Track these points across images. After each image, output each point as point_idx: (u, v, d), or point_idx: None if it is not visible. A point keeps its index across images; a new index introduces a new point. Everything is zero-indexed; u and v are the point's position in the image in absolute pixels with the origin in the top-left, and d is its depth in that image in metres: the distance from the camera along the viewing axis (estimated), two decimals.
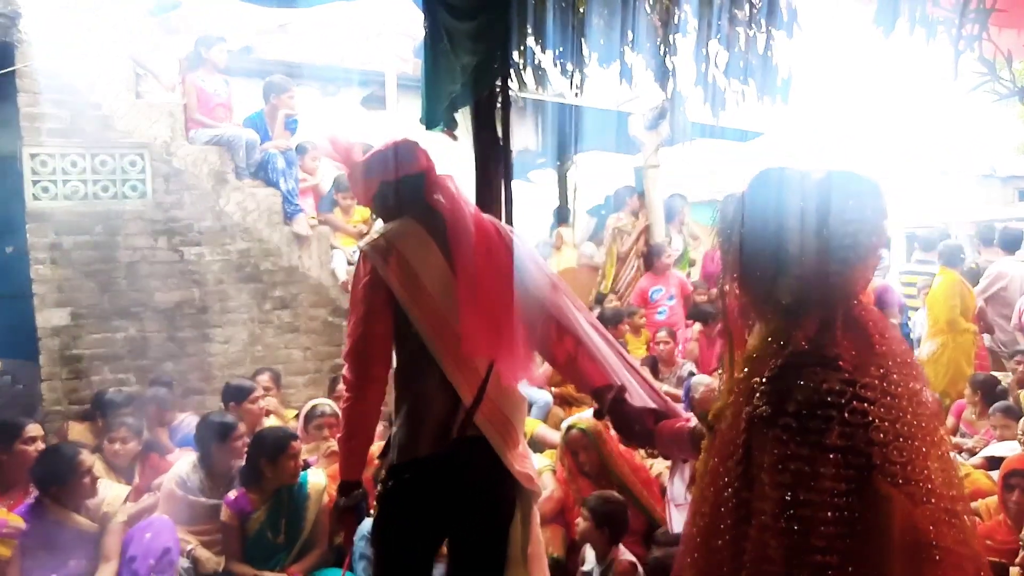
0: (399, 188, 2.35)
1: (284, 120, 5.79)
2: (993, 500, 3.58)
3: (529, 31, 3.05)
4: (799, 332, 1.37)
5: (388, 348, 2.28)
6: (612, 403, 2.15)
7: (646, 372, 2.43)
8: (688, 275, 7.32)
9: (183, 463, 3.92)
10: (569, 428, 3.98)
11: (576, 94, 3.14)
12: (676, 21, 2.58)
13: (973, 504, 3.59)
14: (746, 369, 1.45)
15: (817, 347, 1.34)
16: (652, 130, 7.19)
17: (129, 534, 3.63)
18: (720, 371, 1.63)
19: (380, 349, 2.26)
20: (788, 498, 1.27)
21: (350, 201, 5.90)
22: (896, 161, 13.44)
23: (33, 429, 3.83)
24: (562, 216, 8.43)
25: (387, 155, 2.38)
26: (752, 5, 2.29)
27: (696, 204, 8.52)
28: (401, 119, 5.00)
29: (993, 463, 4.09)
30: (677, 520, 2.35)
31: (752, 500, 1.34)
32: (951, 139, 12.95)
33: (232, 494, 3.61)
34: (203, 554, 3.63)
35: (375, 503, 2.36)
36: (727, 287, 1.52)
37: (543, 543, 2.58)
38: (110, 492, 3.61)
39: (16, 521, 3.30)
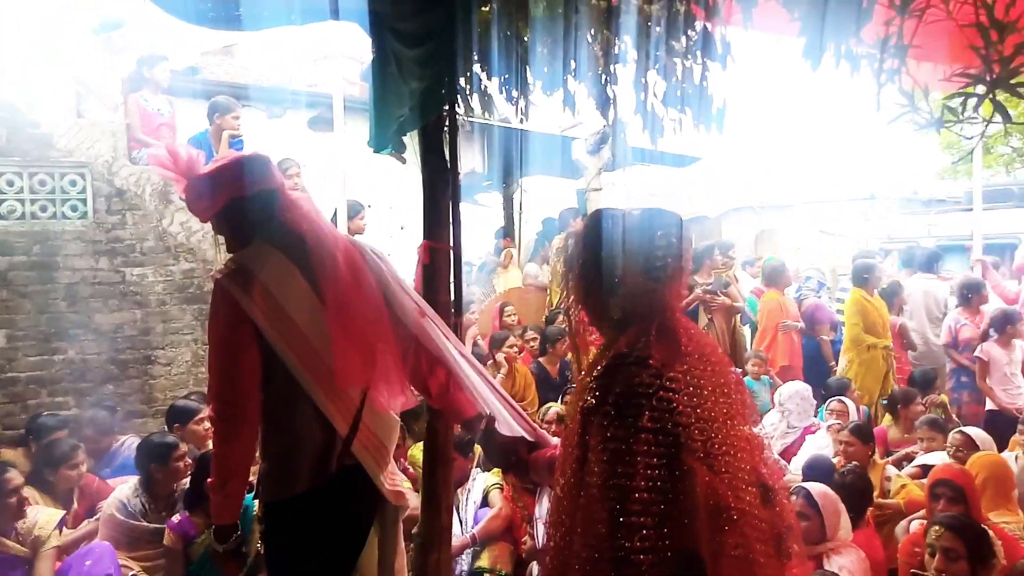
0: (251, 205, 2.23)
1: (229, 140, 5.76)
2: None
3: (475, 58, 3.12)
4: (622, 338, 1.64)
5: (257, 385, 2.13)
6: (484, 433, 2.25)
7: (512, 401, 2.40)
8: None
9: (124, 487, 3.84)
10: None
11: (521, 120, 3.22)
12: (616, 51, 2.69)
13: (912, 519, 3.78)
14: (582, 372, 1.74)
15: (632, 350, 1.60)
16: (594, 155, 7.38)
17: (67, 562, 3.55)
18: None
19: (249, 387, 2.12)
20: (609, 471, 1.51)
21: None
22: (826, 185, 13.98)
23: None
24: (507, 236, 8.55)
25: (238, 168, 2.23)
26: (688, 37, 2.41)
27: None
28: (348, 141, 5.03)
29: (927, 471, 4.28)
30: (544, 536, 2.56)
31: (584, 477, 1.58)
32: (877, 166, 13.55)
33: (176, 518, 3.57)
34: None
35: (260, 543, 2.32)
36: (571, 307, 1.81)
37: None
38: (42, 516, 3.52)
39: None
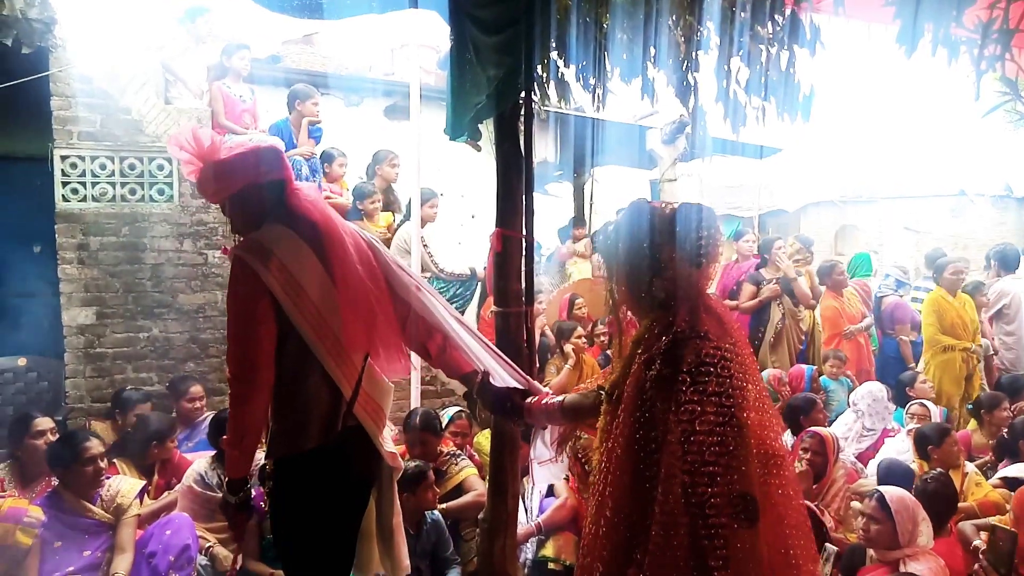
0: (263, 191, 2.41)
1: (308, 127, 5.88)
2: (1006, 518, 3.58)
3: (553, 45, 3.10)
4: (678, 317, 1.88)
5: (272, 352, 2.32)
6: (480, 386, 2.51)
7: (505, 357, 2.66)
8: None
9: (201, 460, 3.99)
10: (576, 438, 4.03)
11: (597, 108, 3.19)
12: (699, 38, 2.63)
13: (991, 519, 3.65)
14: (639, 350, 1.94)
15: (692, 326, 1.86)
16: (670, 144, 7.26)
17: (149, 531, 3.70)
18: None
19: (267, 354, 2.30)
20: (688, 429, 1.76)
21: (374, 206, 5.98)
22: (912, 179, 13.39)
23: (42, 423, 3.90)
24: (578, 226, 8.47)
25: (253, 157, 2.41)
26: (775, 23, 2.33)
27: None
28: (423, 130, 5.07)
29: (1009, 483, 4.10)
30: (539, 475, 2.75)
31: (658, 437, 1.82)
32: (967, 159, 12.86)
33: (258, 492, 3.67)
34: (221, 552, 3.68)
35: (267, 499, 2.48)
36: (614, 290, 2.04)
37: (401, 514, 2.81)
38: (124, 485, 3.67)
39: (37, 512, 3.38)
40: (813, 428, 4.31)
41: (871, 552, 3.24)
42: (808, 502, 3.60)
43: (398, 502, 2.77)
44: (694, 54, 2.67)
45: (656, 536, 1.77)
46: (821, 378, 5.88)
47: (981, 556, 2.76)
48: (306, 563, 2.48)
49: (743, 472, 1.76)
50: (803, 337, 6.46)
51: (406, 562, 2.80)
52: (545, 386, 3.44)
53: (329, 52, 7.03)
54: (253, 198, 2.42)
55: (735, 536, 1.73)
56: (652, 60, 2.89)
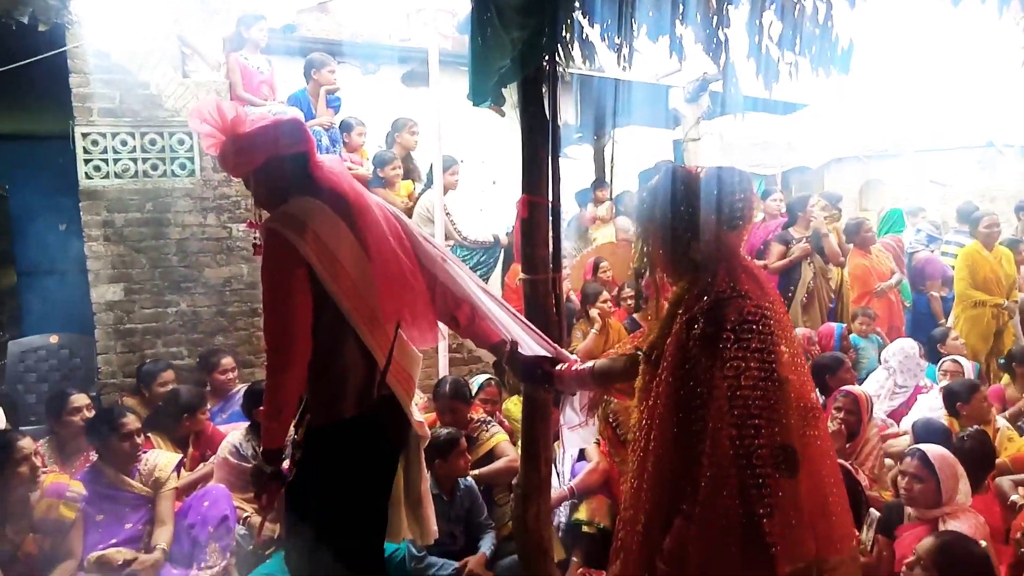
0: (287, 164, 2.41)
1: (326, 97, 5.84)
2: None
3: (576, 5, 3.02)
4: (718, 278, 1.93)
5: (309, 322, 2.32)
6: (509, 355, 2.56)
7: (533, 326, 2.69)
8: None
9: (236, 432, 4.03)
10: (606, 403, 4.02)
11: (624, 68, 3.11)
12: None
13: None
14: (679, 310, 1.98)
15: (732, 286, 1.91)
16: (693, 103, 7.13)
17: (187, 502, 3.76)
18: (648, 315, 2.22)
19: (304, 325, 2.31)
20: (734, 384, 1.82)
21: (395, 172, 5.94)
22: (938, 132, 13.07)
23: (78, 399, 3.97)
24: (599, 188, 8.35)
25: (276, 131, 2.41)
26: None
27: None
28: (443, 95, 5.01)
29: None
30: (569, 439, 2.77)
31: (702, 393, 1.88)
32: (995, 109, 12.51)
33: (286, 463, 3.70)
34: (258, 521, 3.73)
35: (294, 466, 2.47)
36: (652, 251, 2.08)
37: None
38: (161, 459, 3.73)
39: (78, 487, 3.45)
40: (846, 387, 4.27)
41: (909, 510, 3.22)
42: (843, 461, 3.59)
43: (425, 469, 2.81)
44: (725, 9, 2.59)
45: (706, 487, 1.84)
46: (851, 336, 5.82)
47: None
48: (343, 532, 2.49)
49: (784, 425, 1.84)
50: (832, 296, 6.39)
51: (434, 527, 2.85)
52: (572, 351, 3.42)
53: (344, 19, 6.93)
54: (276, 171, 2.41)
55: (778, 485, 1.81)
56: (680, 17, 2.80)
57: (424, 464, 2.79)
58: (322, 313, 2.35)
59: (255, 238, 2.52)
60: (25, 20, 4.93)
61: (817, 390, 4.41)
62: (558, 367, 2.53)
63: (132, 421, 3.59)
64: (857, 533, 2.08)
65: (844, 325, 5.88)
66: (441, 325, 2.75)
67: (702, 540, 1.85)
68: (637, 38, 3.02)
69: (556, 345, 2.68)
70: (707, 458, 1.84)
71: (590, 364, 2.47)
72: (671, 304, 2.06)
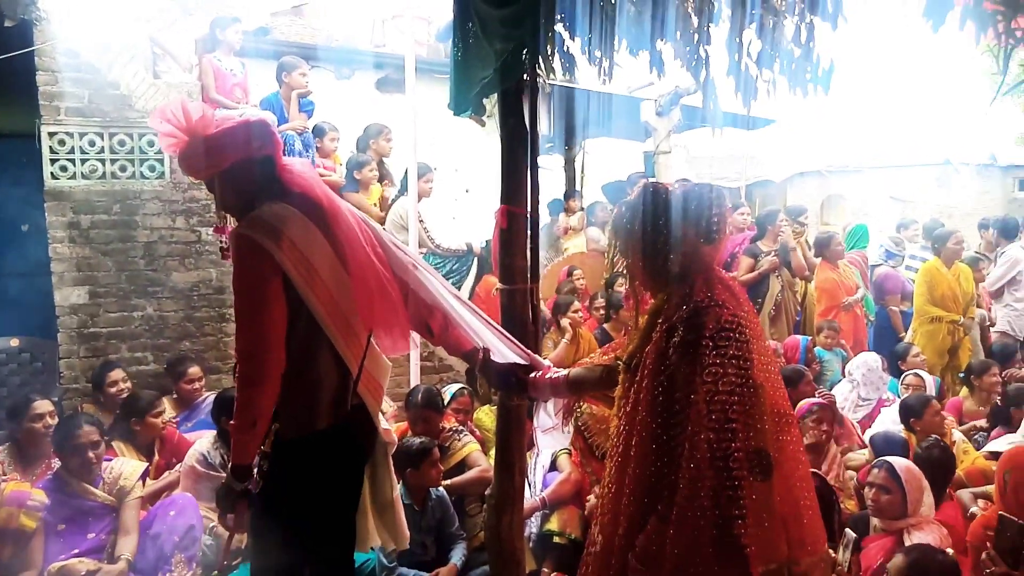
0: (256, 167, 2.35)
1: (299, 100, 5.79)
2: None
3: (559, 17, 3.04)
4: (695, 288, 2.02)
5: (284, 332, 2.27)
6: (482, 363, 2.57)
7: (506, 332, 2.69)
8: None
9: (203, 440, 3.97)
10: (580, 413, 4.04)
11: (604, 82, 3.15)
12: (710, 9, 2.59)
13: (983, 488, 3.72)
14: (659, 320, 2.07)
15: (710, 296, 2.00)
16: (665, 116, 7.20)
17: (152, 511, 3.69)
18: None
19: (279, 335, 2.25)
20: (712, 390, 1.89)
21: (371, 174, 5.92)
22: (897, 149, 13.39)
23: (40, 406, 3.86)
24: (570, 199, 8.41)
25: (244, 132, 2.34)
26: None
27: None
28: (419, 103, 5.00)
29: (996, 457, 4.14)
30: (543, 441, 2.81)
31: (680, 399, 1.95)
32: (952, 128, 12.88)
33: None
34: (225, 537, 3.67)
35: (260, 478, 2.37)
36: (631, 266, 2.17)
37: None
38: (127, 467, 3.65)
39: (40, 495, 3.36)
40: (814, 400, 4.35)
41: (875, 521, 3.28)
42: (814, 469, 3.66)
43: (394, 475, 2.78)
44: (706, 27, 2.63)
45: (684, 489, 1.90)
46: (815, 348, 5.92)
47: (988, 544, 2.80)
48: (314, 545, 2.46)
49: (759, 429, 1.90)
50: (799, 308, 6.49)
51: (407, 532, 2.82)
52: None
53: (319, 24, 6.90)
54: (244, 174, 2.35)
55: (752, 488, 1.87)
56: (661, 33, 2.85)
57: (392, 470, 2.76)
58: (296, 322, 2.30)
59: (222, 242, 2.48)
60: None
61: None
62: (532, 374, 2.54)
63: (87, 433, 3.46)
64: (825, 536, 2.14)
65: (809, 338, 5.98)
66: (413, 333, 2.72)
67: (677, 540, 1.90)
68: (618, 52, 3.06)
69: (530, 352, 2.68)
70: (685, 461, 1.90)
71: (565, 372, 2.52)
72: (650, 314, 2.16)
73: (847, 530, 3.31)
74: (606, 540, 2.13)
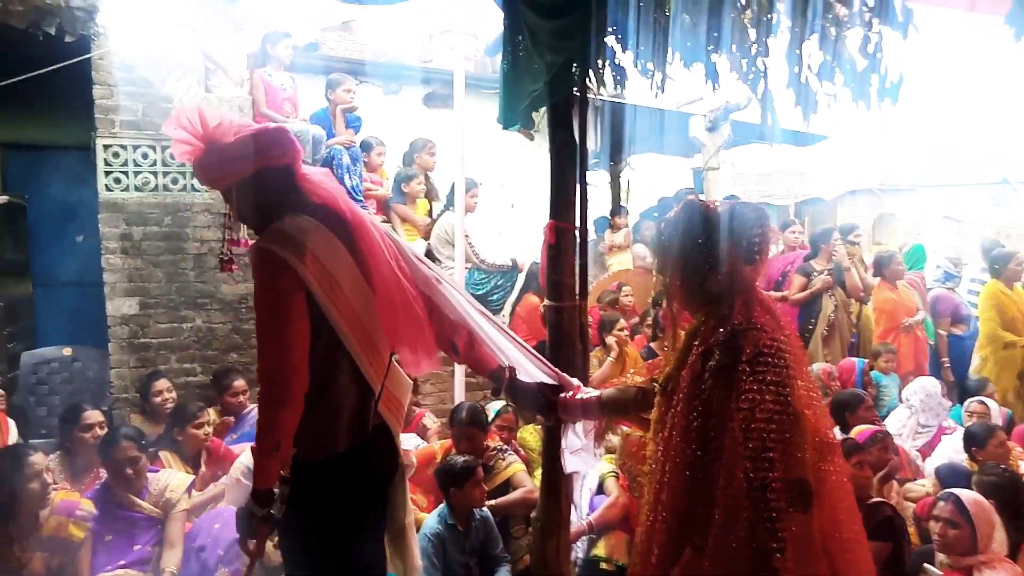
0: (276, 176, 2.25)
1: (344, 116, 5.83)
2: None
3: (610, 30, 3.00)
4: (734, 310, 1.95)
5: (307, 350, 2.16)
6: (509, 382, 2.47)
7: (533, 350, 2.60)
8: None
9: (249, 452, 3.95)
10: (627, 435, 3.95)
11: (656, 95, 3.08)
12: (769, 20, 2.51)
13: None
14: (695, 342, 2.02)
15: (748, 319, 1.93)
16: (714, 132, 7.09)
17: (197, 524, 3.69)
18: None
19: (303, 354, 2.15)
20: (749, 416, 1.83)
21: (419, 187, 5.92)
22: (953, 167, 13.02)
23: (91, 416, 3.91)
24: (616, 215, 8.33)
25: (266, 139, 2.24)
26: (863, 2, 2.20)
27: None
28: (467, 118, 4.98)
29: None
30: (570, 461, 2.69)
31: (716, 425, 1.89)
32: (1010, 146, 12.48)
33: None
34: (270, 545, 3.65)
35: (282, 503, 2.23)
36: (670, 283, 2.11)
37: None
38: (173, 479, 3.67)
39: (88, 505, 3.39)
40: (876, 427, 4.18)
41: (941, 557, 3.12)
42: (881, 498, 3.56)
43: (409, 500, 2.66)
44: (765, 38, 2.55)
45: (719, 519, 1.84)
46: (872, 372, 5.72)
47: None
48: (343, 569, 2.34)
49: (798, 459, 1.83)
50: (854, 330, 6.29)
51: (418, 562, 2.67)
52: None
53: (368, 39, 6.95)
54: (263, 185, 2.24)
55: (791, 520, 1.80)
56: (715, 45, 2.77)
57: (407, 494, 2.64)
58: (317, 340, 2.19)
59: (221, 254, 2.38)
60: (52, 31, 4.96)
61: (838, 427, 4.40)
62: (562, 395, 2.47)
63: (124, 448, 3.49)
64: (875, 571, 2.07)
65: (866, 361, 5.78)
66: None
67: (713, 573, 1.84)
68: (671, 65, 2.99)
69: (558, 371, 2.59)
70: (721, 490, 1.85)
71: (597, 393, 2.44)
72: (687, 336, 2.10)
73: (927, 566, 3.16)
74: (641, 570, 2.06)
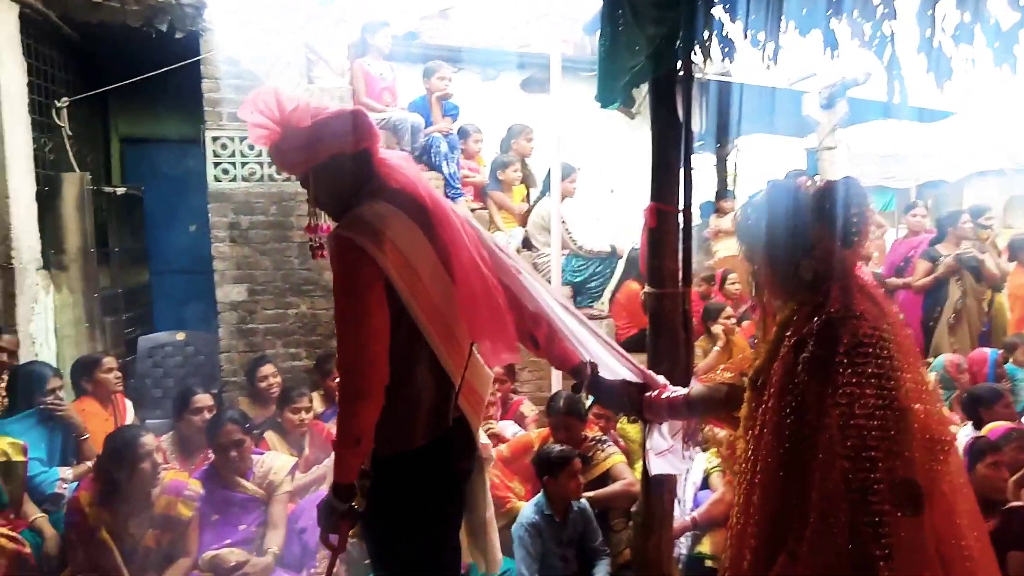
0: (353, 162, 2.17)
1: (441, 103, 5.83)
2: None
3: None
4: (831, 297, 1.79)
5: (388, 341, 2.08)
6: (590, 379, 2.37)
7: (617, 347, 2.48)
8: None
9: None
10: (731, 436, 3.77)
11: (768, 67, 2.86)
12: None
13: None
14: (787, 332, 1.85)
15: (846, 306, 1.77)
16: (829, 109, 6.69)
17: (300, 506, 3.75)
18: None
19: (383, 346, 2.07)
20: (848, 412, 1.68)
21: (516, 175, 5.86)
22: None
23: (201, 400, 4.03)
24: (722, 199, 8.03)
25: (343, 123, 2.15)
26: None
27: (869, 189, 7.87)
28: (563, 101, 4.86)
29: None
30: (655, 464, 2.46)
31: (811, 422, 1.74)
32: None
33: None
34: (329, 558, 3.68)
35: (364, 497, 2.19)
36: (759, 271, 1.96)
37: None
38: (277, 462, 3.74)
39: (196, 485, 3.49)
40: (1011, 424, 3.83)
41: None
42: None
43: (489, 494, 2.57)
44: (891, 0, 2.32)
45: (814, 522, 1.71)
46: (1006, 365, 5.27)
47: None
48: (427, 568, 2.29)
49: (906, 458, 1.68)
50: (985, 319, 5.82)
51: (499, 556, 2.59)
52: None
53: (465, 26, 6.93)
54: (342, 169, 2.17)
55: (898, 524, 1.65)
56: (835, 9, 2.54)
57: (488, 488, 2.55)
58: (396, 331, 2.12)
59: (312, 241, 2.29)
60: (164, 28, 5.16)
61: (972, 424, 4.06)
62: (647, 393, 2.35)
63: (228, 432, 3.57)
64: None
65: (999, 352, 5.33)
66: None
67: None
68: (784, 34, 2.77)
69: (641, 367, 2.46)
70: (816, 491, 1.72)
71: (684, 391, 2.30)
72: (780, 326, 1.93)
73: None
74: (733, 574, 1.92)
